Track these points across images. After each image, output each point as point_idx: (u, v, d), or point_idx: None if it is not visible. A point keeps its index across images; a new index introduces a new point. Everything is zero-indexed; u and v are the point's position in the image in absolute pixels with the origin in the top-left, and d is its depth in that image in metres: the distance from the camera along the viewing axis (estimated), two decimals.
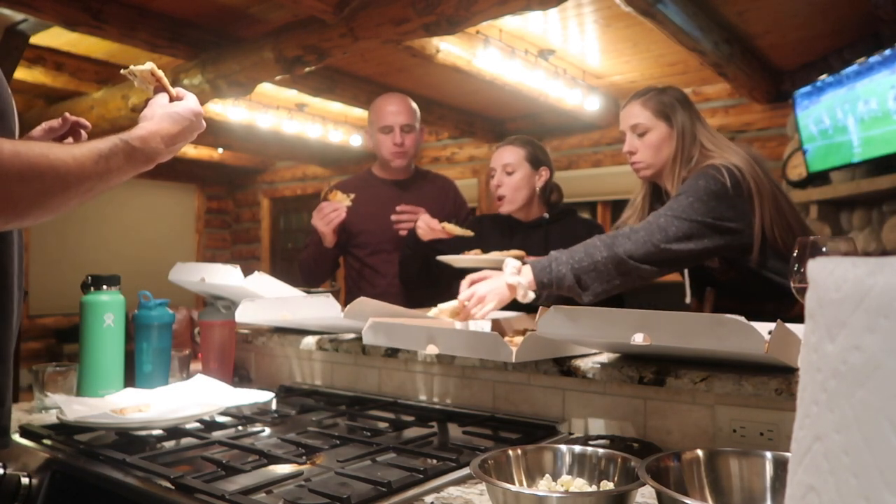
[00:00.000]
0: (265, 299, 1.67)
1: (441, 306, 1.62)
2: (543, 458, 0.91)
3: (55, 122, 1.23)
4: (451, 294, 2.32)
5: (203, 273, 1.72)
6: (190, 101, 1.14)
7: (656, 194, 1.89)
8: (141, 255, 7.30)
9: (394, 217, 2.29)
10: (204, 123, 1.16)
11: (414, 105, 2.45)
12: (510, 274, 1.56)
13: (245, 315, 1.65)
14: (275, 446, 1.14)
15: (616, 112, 5.32)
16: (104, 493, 1.02)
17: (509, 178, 2.18)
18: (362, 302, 1.47)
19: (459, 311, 1.61)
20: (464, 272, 2.09)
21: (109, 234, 7.40)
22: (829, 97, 3.61)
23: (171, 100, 1.15)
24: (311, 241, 2.39)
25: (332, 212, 2.25)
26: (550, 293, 1.58)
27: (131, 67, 1.17)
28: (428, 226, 2.15)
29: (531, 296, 1.58)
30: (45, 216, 0.90)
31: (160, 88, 1.16)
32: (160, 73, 1.17)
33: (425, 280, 2.25)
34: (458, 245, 2.15)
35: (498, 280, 1.58)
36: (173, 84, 1.18)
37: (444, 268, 2.13)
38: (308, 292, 1.78)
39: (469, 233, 2.12)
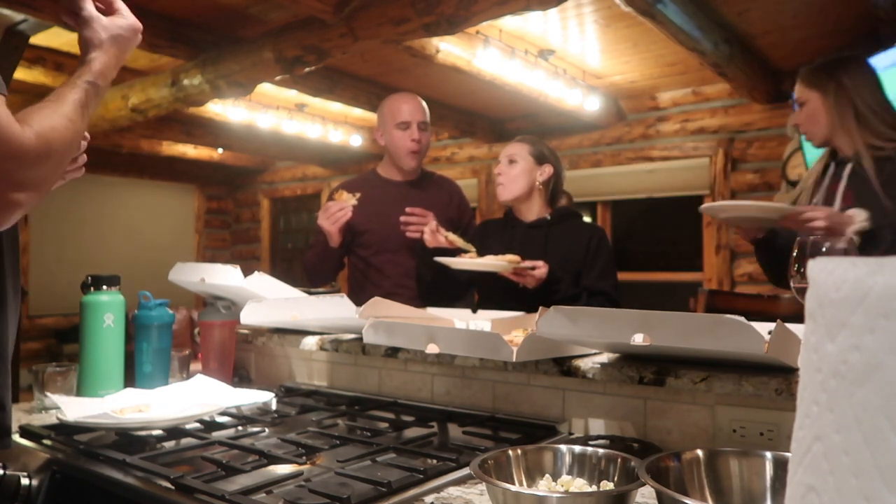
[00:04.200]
0: (274, 300, 1.67)
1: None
2: (543, 458, 0.91)
3: None
4: (467, 300, 2.34)
5: (203, 273, 1.72)
6: (129, 17, 1.11)
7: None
8: (141, 255, 7.30)
9: (403, 219, 2.29)
10: (140, 37, 1.14)
11: (426, 106, 2.47)
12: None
13: (249, 317, 1.65)
14: (275, 446, 1.14)
15: (615, 112, 5.34)
16: (104, 494, 1.02)
17: (510, 167, 2.23)
18: (377, 302, 1.47)
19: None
20: (483, 277, 2.12)
21: (109, 234, 7.39)
22: None
23: (104, 10, 1.10)
24: (317, 240, 2.39)
25: (339, 211, 2.25)
26: None
27: None
28: (433, 234, 2.16)
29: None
30: (58, 183, 0.97)
31: None
32: None
33: (442, 287, 2.24)
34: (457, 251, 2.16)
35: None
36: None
37: (460, 274, 2.14)
38: (309, 292, 1.78)
39: (472, 248, 2.12)
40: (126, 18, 1.10)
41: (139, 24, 1.12)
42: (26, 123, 0.88)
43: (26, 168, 0.87)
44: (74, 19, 1.08)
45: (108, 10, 1.10)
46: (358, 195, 2.28)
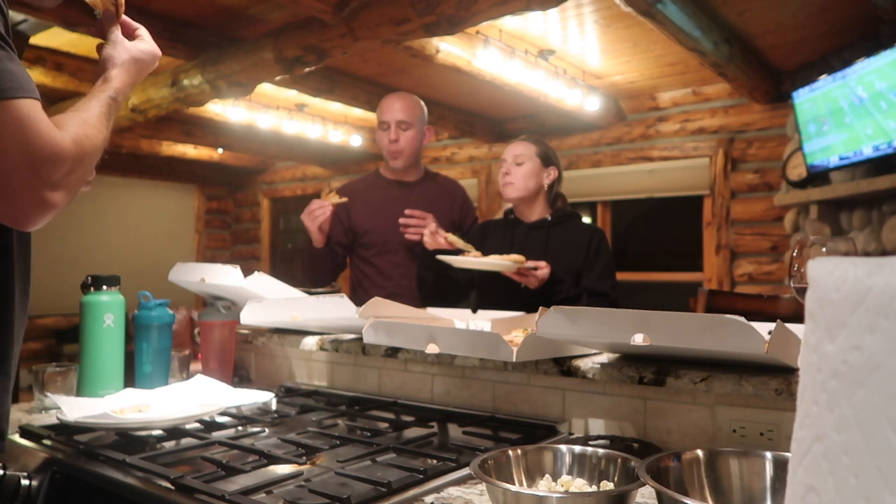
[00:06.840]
0: (274, 300, 1.66)
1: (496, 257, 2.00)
2: (543, 458, 0.91)
3: None
4: (467, 302, 2.35)
5: (203, 273, 1.72)
6: (150, 43, 1.19)
7: None
8: (141, 255, 7.30)
9: (402, 220, 2.27)
10: (157, 63, 1.22)
11: (416, 103, 2.44)
12: None
13: (249, 317, 1.65)
14: (275, 446, 1.14)
15: (615, 112, 5.34)
16: (104, 494, 1.02)
17: (518, 167, 2.21)
18: (377, 302, 1.47)
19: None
20: (483, 277, 2.12)
21: (109, 234, 7.39)
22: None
23: (126, 34, 1.18)
24: (306, 242, 2.39)
25: (318, 209, 2.23)
26: None
27: None
28: (432, 236, 2.14)
29: None
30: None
31: (111, 13, 1.16)
32: None
33: (443, 289, 2.24)
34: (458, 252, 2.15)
35: None
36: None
37: (460, 275, 2.14)
38: (309, 292, 1.78)
39: (471, 248, 2.12)
40: (147, 43, 1.19)
41: (159, 51, 1.21)
42: (63, 128, 0.94)
43: (63, 171, 0.92)
44: (103, 39, 1.16)
45: (130, 36, 1.19)
46: (344, 198, 2.27)
